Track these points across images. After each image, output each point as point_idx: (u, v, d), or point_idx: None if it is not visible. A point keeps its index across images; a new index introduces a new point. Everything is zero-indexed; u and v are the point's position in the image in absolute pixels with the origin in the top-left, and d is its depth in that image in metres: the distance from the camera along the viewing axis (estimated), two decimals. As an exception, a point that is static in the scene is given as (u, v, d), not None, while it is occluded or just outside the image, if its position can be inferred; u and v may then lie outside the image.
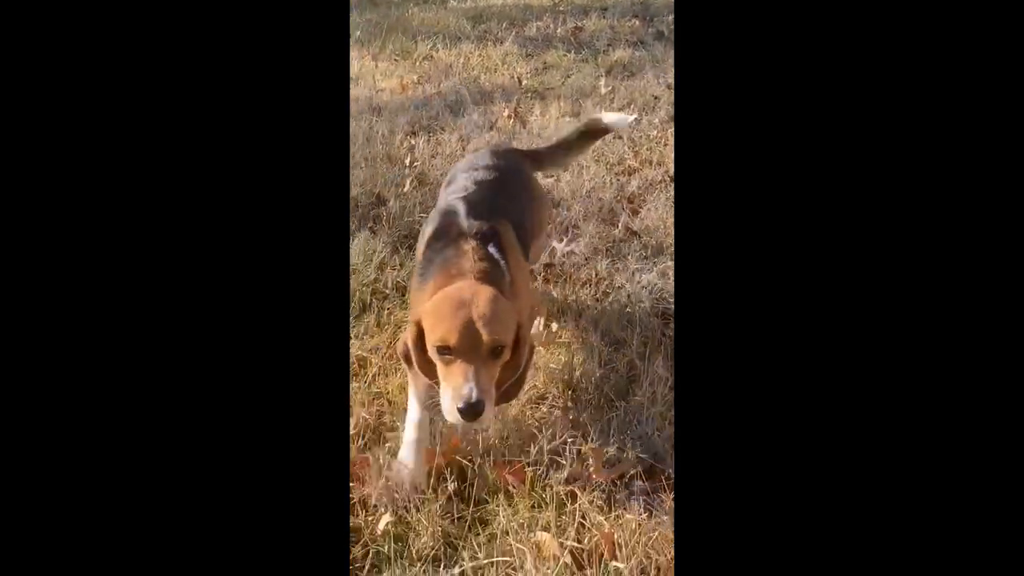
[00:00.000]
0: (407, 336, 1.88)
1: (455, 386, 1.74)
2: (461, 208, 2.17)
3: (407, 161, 3.88)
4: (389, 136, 4.16)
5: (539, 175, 2.92)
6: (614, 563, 1.86)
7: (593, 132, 2.81)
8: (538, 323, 2.65)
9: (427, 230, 2.21)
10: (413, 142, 4.13)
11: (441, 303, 1.82)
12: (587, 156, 3.96)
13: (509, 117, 4.48)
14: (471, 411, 1.71)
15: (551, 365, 2.53)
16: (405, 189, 3.56)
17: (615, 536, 1.91)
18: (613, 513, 2.00)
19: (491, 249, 2.05)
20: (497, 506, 2.02)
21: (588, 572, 1.83)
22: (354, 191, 3.53)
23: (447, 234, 2.09)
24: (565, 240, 3.21)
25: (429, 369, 1.86)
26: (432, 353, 1.80)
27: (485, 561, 1.87)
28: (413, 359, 1.87)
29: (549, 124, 4.38)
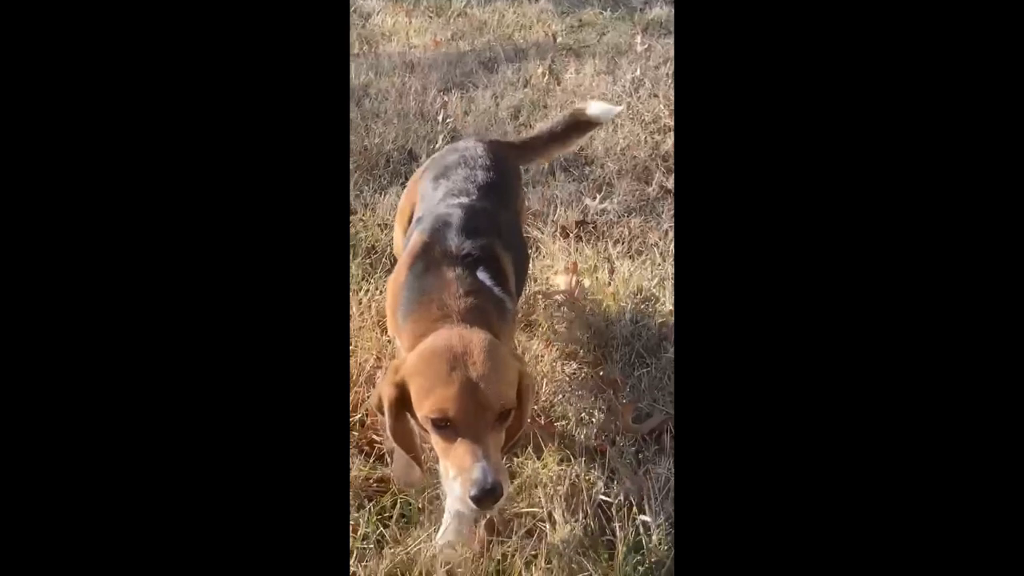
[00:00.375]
0: (384, 393, 1.54)
1: (463, 468, 1.42)
2: (455, 219, 1.83)
3: (440, 117, 3.85)
4: (422, 92, 4.12)
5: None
6: (642, 516, 1.85)
7: (579, 125, 2.46)
8: (571, 280, 2.63)
9: (413, 240, 1.86)
10: (446, 99, 4.10)
11: (429, 361, 1.48)
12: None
13: (543, 75, 4.42)
14: (489, 498, 1.41)
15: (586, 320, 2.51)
16: (437, 145, 3.54)
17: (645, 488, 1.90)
18: (643, 468, 1.99)
19: (481, 275, 1.73)
20: (527, 459, 2.02)
21: (616, 525, 1.82)
22: (386, 147, 3.51)
23: (431, 255, 1.76)
24: (598, 197, 3.18)
25: (407, 440, 1.56)
26: (425, 424, 1.48)
27: (514, 512, 1.88)
28: (388, 426, 1.55)
29: (583, 82, 4.31)
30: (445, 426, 1.44)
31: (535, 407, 2.17)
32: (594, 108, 2.42)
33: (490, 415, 1.44)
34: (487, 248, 1.77)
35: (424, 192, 2.12)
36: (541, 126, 2.48)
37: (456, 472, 1.43)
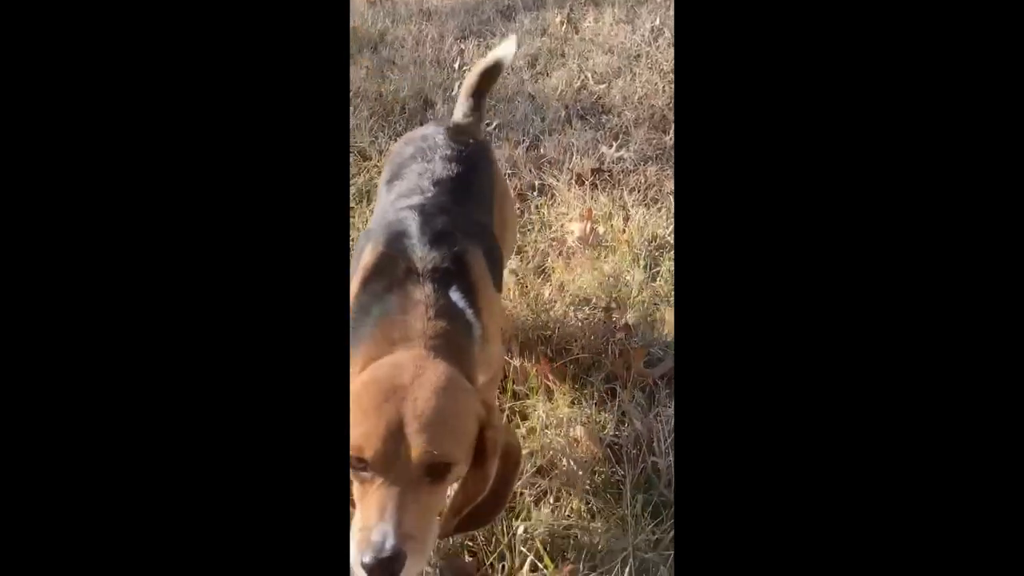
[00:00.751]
0: None
1: (364, 523, 1.15)
2: (413, 226, 1.53)
3: (456, 65, 3.81)
4: (439, 40, 4.08)
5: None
6: (652, 458, 1.86)
7: (488, 77, 2.10)
8: (585, 226, 2.62)
9: (365, 254, 1.56)
10: (463, 47, 4.06)
11: (367, 387, 1.23)
12: (642, 64, 3.86)
13: (561, 23, 4.36)
14: (381, 569, 1.11)
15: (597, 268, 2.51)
16: (453, 92, 3.51)
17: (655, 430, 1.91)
18: (653, 411, 2.00)
19: (453, 295, 1.45)
20: (537, 401, 2.03)
21: (626, 467, 1.84)
22: (402, 94, 3.49)
23: (391, 271, 1.46)
24: (615, 145, 3.15)
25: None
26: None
27: (525, 452, 1.90)
28: None
29: (602, 31, 4.25)
30: (361, 467, 1.17)
31: (548, 352, 2.18)
32: (495, 54, 2.06)
33: (415, 467, 1.16)
34: (459, 258, 1.50)
35: (380, 195, 1.88)
36: (461, 106, 2.10)
37: (360, 526, 1.16)
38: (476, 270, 1.53)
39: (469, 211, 1.71)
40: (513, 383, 2.08)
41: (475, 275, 1.52)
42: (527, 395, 2.06)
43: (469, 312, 1.45)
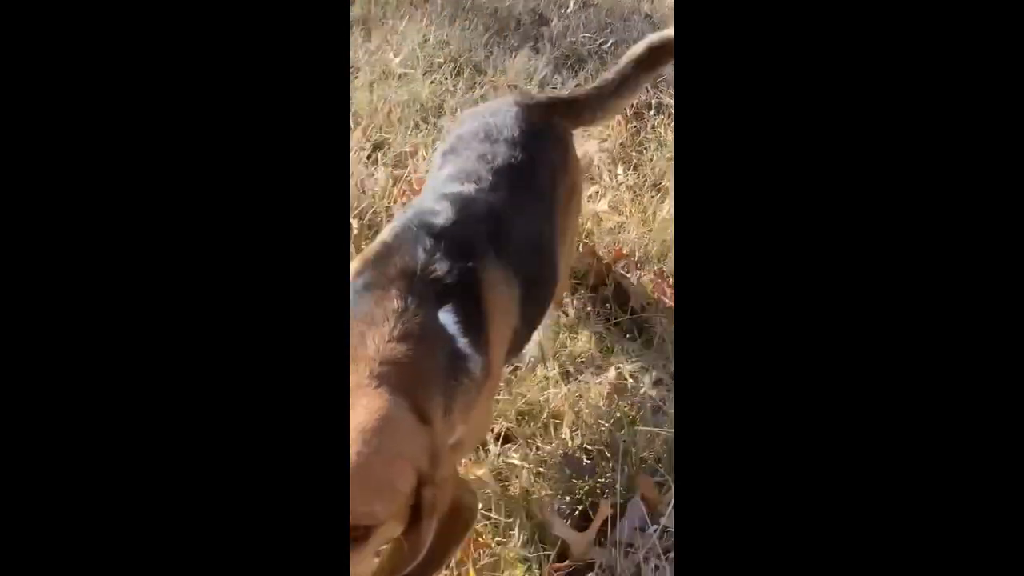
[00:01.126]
0: None
1: None
2: (440, 221, 1.30)
3: (570, -18, 3.74)
4: (553, -43, 4.00)
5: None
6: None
7: (658, 55, 1.75)
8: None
9: (382, 232, 1.38)
10: (577, -36, 3.97)
11: None
12: None
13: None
14: None
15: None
16: (569, 10, 3.45)
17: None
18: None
19: (444, 316, 1.20)
20: (654, 315, 2.03)
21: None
22: (517, 9, 3.45)
23: (384, 265, 1.23)
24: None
25: None
26: None
27: (639, 366, 1.91)
28: None
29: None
30: None
31: (663, 271, 2.16)
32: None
33: None
34: (468, 274, 1.25)
35: (432, 167, 1.62)
36: (604, 74, 1.80)
37: None
38: (492, 295, 1.28)
39: (530, 219, 1.46)
40: (630, 299, 2.09)
41: (489, 300, 1.27)
42: (644, 308, 2.06)
43: (463, 341, 1.20)
